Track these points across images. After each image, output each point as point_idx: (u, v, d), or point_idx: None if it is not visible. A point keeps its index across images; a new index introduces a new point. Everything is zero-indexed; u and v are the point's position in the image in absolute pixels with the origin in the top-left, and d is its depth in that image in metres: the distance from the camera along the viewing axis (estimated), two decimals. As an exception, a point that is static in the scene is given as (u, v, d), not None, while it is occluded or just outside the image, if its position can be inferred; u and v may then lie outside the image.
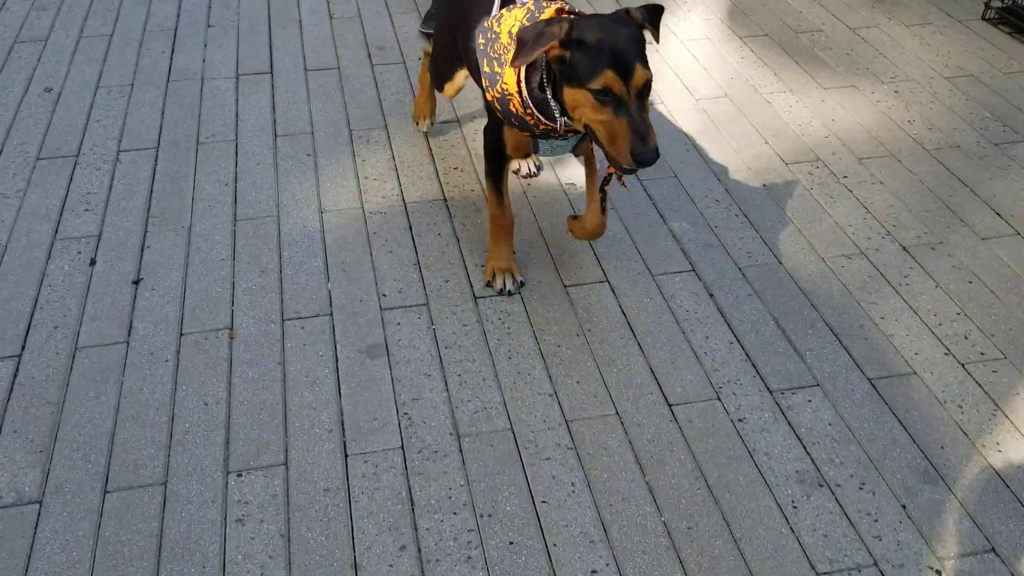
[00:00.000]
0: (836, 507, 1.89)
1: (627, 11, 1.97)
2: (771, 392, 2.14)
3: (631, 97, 1.87)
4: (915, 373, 2.19)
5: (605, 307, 2.37)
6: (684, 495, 1.91)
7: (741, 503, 1.90)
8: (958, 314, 2.36)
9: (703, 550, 1.81)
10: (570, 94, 1.93)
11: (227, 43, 3.57)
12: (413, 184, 2.80)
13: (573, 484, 1.93)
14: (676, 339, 2.28)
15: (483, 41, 2.14)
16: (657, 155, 1.88)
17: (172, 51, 3.52)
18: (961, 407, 2.10)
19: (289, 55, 3.49)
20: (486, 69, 2.13)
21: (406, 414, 2.08)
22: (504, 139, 2.28)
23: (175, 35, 3.63)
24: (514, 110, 2.10)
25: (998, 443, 2.02)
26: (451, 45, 2.47)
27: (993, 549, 1.81)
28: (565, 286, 2.43)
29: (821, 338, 2.28)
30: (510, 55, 2.02)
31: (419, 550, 1.80)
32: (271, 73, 3.37)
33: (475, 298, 2.40)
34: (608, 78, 1.85)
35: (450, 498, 1.90)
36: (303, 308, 2.35)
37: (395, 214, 2.68)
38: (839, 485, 1.93)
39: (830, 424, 2.06)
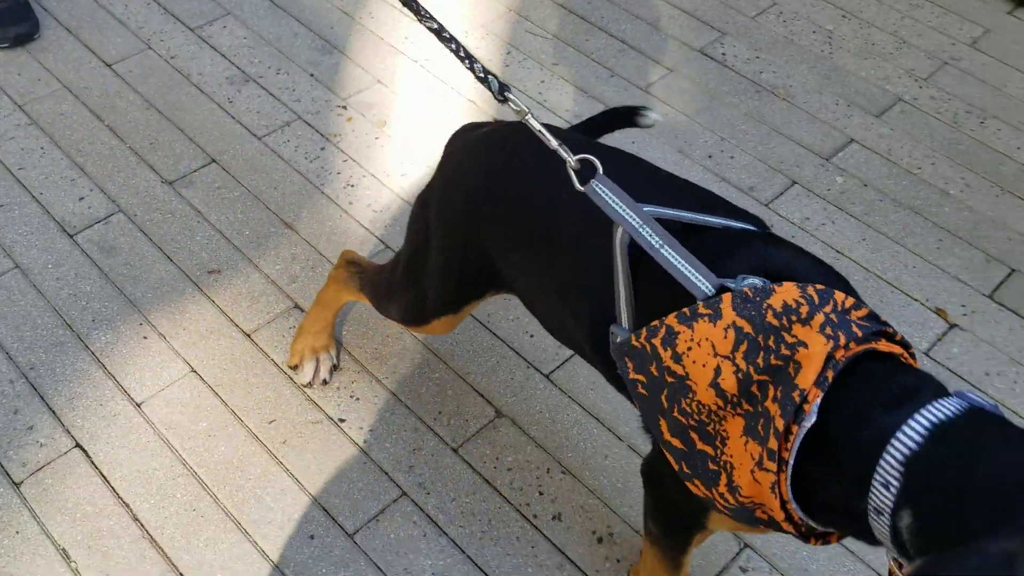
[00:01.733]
0: (264, 92, 2.37)
1: None
2: (192, 30, 2.51)
3: None
4: (302, -17, 2.68)
5: None
6: (140, 124, 2.26)
7: (189, 113, 2.30)
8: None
9: (169, 153, 2.20)
10: None
11: None
12: None
13: (42, 148, 2.19)
14: (99, 15, 2.52)
15: (643, 379, 1.09)
16: None
17: None
18: (340, -4, 2.66)
19: None
20: (675, 442, 1.08)
21: None
22: (707, 521, 1.23)
23: None
24: (763, 517, 1.04)
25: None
26: (467, 255, 1.39)
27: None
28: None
29: (223, -21, 2.67)
30: (732, 425, 1.01)
31: (-84, 239, 1.99)
32: None
33: None
34: None
35: (-71, 194, 2.08)
36: None
37: None
38: (261, 76, 2.40)
39: (245, 38, 2.50)
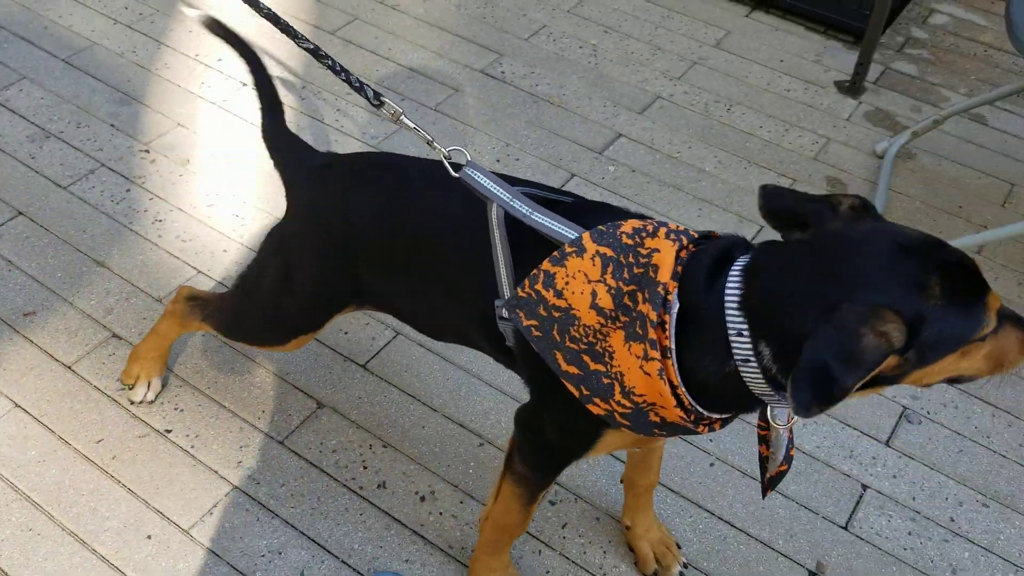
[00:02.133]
0: (66, 145, 2.44)
1: (864, 206, 1.19)
2: (-13, 95, 2.57)
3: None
4: (96, 43, 2.78)
5: None
6: (-58, 187, 2.30)
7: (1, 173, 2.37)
8: (118, -5, 2.97)
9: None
10: (936, 369, 1.16)
11: None
12: None
13: None
14: None
15: (535, 323, 1.26)
16: None
17: None
18: (135, 51, 2.77)
19: None
20: (571, 369, 1.25)
21: None
22: (597, 445, 1.38)
23: None
24: (657, 419, 1.24)
25: (167, 64, 2.74)
26: (333, 275, 1.52)
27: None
28: None
29: (15, 45, 2.73)
30: (615, 339, 1.20)
31: None
32: None
33: None
34: (992, 307, 1.14)
35: None
36: None
37: None
38: (62, 131, 2.48)
39: (43, 99, 2.58)
